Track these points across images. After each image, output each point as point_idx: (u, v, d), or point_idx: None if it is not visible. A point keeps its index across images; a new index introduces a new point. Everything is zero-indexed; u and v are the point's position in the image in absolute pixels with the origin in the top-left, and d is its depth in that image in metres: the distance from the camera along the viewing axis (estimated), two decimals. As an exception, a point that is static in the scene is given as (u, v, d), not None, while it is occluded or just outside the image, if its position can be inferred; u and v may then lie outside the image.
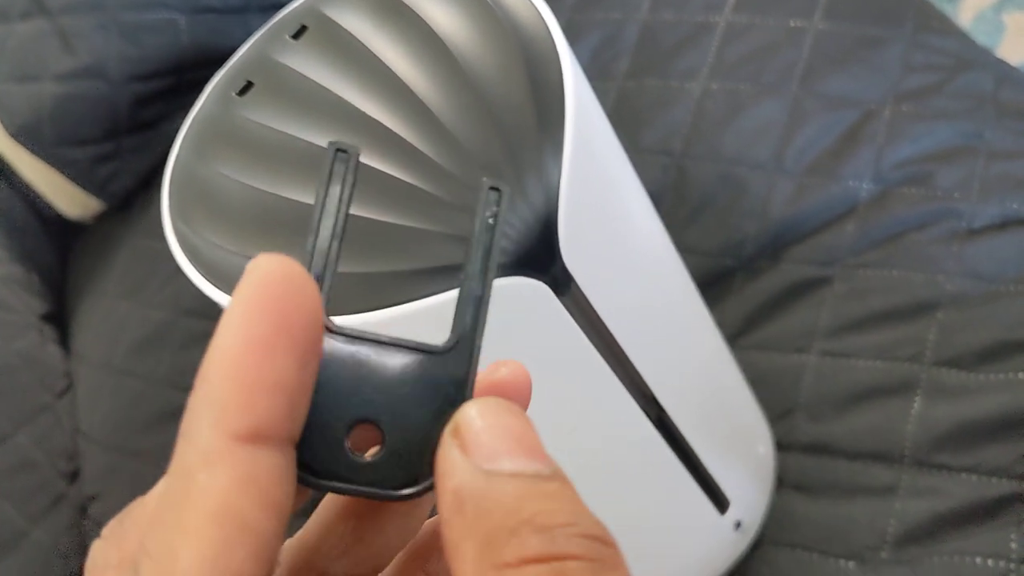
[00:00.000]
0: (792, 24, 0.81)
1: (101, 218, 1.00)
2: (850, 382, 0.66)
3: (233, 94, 0.43)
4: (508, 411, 0.21)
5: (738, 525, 0.61)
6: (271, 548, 0.19)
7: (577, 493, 0.20)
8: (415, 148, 0.38)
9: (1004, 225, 0.67)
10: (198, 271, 0.40)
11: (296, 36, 0.44)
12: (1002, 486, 0.58)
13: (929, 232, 0.68)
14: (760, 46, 0.81)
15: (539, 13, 0.43)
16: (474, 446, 0.20)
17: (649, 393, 0.49)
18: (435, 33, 0.41)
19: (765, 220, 0.73)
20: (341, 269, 0.36)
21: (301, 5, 0.46)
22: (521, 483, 0.19)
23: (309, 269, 0.21)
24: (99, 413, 0.88)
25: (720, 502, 0.58)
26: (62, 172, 0.92)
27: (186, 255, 0.40)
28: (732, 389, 0.63)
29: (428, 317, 0.36)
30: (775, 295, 0.72)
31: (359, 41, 0.42)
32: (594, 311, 0.42)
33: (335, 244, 0.22)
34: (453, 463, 0.20)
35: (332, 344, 0.21)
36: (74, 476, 0.87)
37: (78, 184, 0.93)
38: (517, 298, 0.38)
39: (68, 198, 0.96)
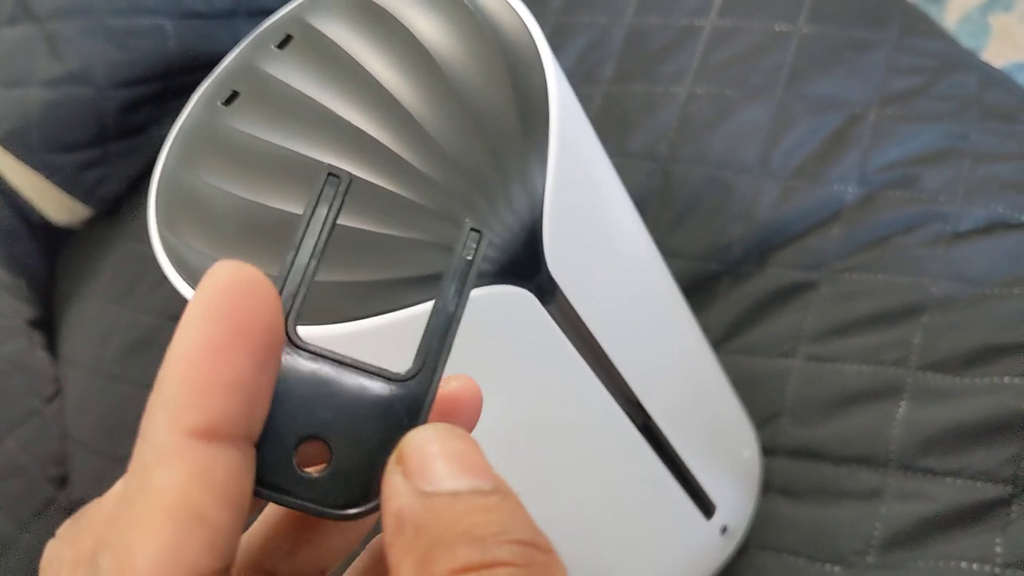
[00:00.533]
0: (777, 28, 0.81)
1: (89, 223, 1.00)
2: (836, 386, 0.66)
3: (219, 103, 0.43)
4: (451, 435, 0.21)
5: (724, 530, 0.61)
6: (227, 542, 0.19)
7: (519, 503, 0.20)
8: (399, 157, 0.38)
9: (989, 228, 0.67)
10: (183, 279, 0.40)
11: (281, 46, 0.44)
12: (988, 490, 0.58)
13: (915, 235, 0.69)
14: (745, 50, 0.81)
15: (522, 20, 0.43)
16: (417, 471, 0.20)
17: (634, 399, 0.49)
18: (419, 42, 0.41)
19: (751, 224, 0.74)
20: (325, 278, 0.36)
21: (286, 14, 0.46)
22: (459, 500, 0.20)
23: (285, 282, 0.22)
24: (88, 418, 0.87)
25: (706, 507, 0.58)
26: (49, 178, 0.91)
27: (172, 263, 0.41)
28: (718, 394, 0.63)
29: (410, 327, 0.36)
30: (761, 299, 0.72)
31: (343, 50, 0.42)
32: (579, 318, 0.43)
33: (313, 263, 0.22)
34: (396, 487, 0.20)
35: (295, 359, 0.22)
36: (63, 481, 0.87)
37: (65, 190, 0.93)
38: (502, 306, 0.38)
39: (55, 204, 0.96)
